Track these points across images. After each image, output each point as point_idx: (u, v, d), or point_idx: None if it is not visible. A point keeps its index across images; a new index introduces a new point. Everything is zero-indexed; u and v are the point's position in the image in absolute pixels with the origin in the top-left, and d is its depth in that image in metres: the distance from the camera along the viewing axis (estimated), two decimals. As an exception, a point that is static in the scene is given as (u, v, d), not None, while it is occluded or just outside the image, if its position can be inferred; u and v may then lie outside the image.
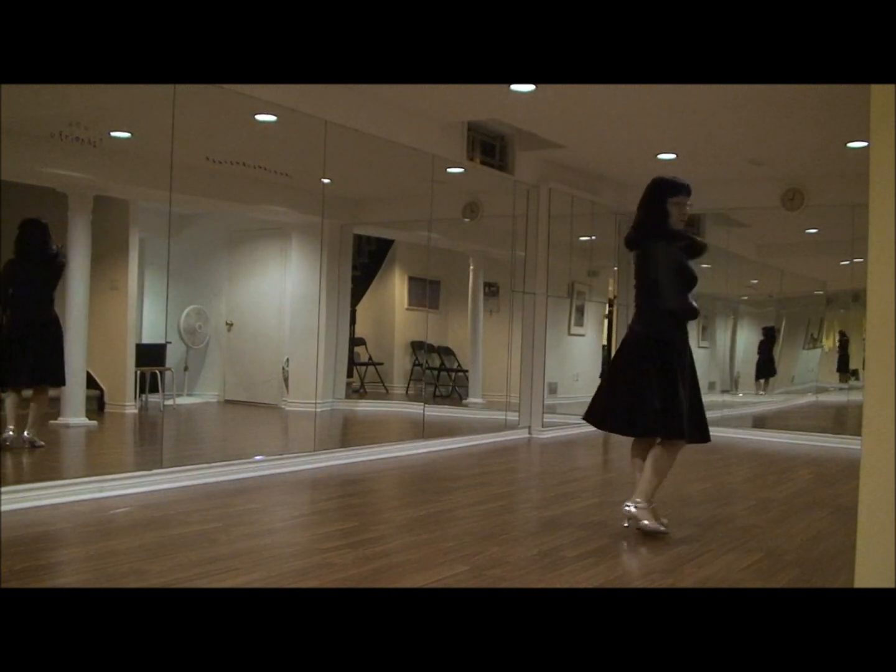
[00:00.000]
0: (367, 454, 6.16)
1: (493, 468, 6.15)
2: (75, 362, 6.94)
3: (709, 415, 4.05)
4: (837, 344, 10.32)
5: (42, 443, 5.58)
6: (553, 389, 8.36)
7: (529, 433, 7.83)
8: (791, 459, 6.94)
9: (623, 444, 7.55)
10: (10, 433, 5.47)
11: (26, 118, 5.53)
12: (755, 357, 10.76)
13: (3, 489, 3.97)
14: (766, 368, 10.75)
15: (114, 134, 6.31)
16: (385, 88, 5.68)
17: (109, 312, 7.75)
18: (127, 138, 6.43)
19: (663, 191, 3.93)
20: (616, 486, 5.38)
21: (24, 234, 5.65)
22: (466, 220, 8.38)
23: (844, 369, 10.16)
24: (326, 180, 6.72)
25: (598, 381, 10.12)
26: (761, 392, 10.76)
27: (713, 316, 10.96)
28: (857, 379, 9.65)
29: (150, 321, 8.99)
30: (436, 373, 10.33)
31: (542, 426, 7.83)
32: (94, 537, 3.70)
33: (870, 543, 2.25)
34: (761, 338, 10.73)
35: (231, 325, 9.52)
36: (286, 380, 8.96)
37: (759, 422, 10.06)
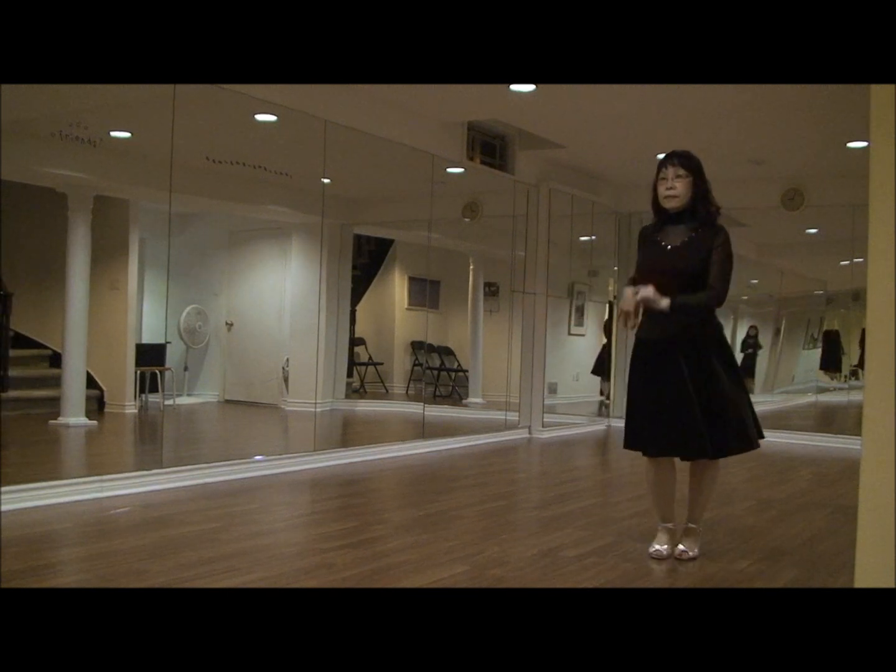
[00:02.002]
0: (367, 454, 6.16)
1: (493, 468, 6.15)
2: (75, 362, 6.96)
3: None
4: (822, 338, 10.31)
5: None
6: (553, 389, 8.36)
7: (529, 433, 7.83)
8: (791, 459, 6.94)
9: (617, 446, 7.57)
10: None
11: (26, 118, 5.53)
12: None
13: (3, 489, 3.97)
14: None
15: (114, 134, 6.31)
16: (385, 88, 5.68)
17: (109, 312, 7.75)
18: (127, 138, 6.44)
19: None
20: (616, 486, 5.39)
21: None
22: (466, 220, 8.38)
23: (833, 367, 10.14)
24: (326, 180, 6.72)
25: (598, 382, 10.21)
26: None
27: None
28: (857, 379, 9.65)
29: (150, 321, 8.99)
30: (436, 373, 10.33)
31: (542, 426, 7.83)
32: (94, 537, 3.70)
33: (870, 543, 2.24)
34: (746, 337, 10.76)
35: (231, 324, 9.52)
36: (286, 380, 8.96)
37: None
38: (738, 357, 10.61)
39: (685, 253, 3.40)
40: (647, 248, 3.53)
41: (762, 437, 3.63)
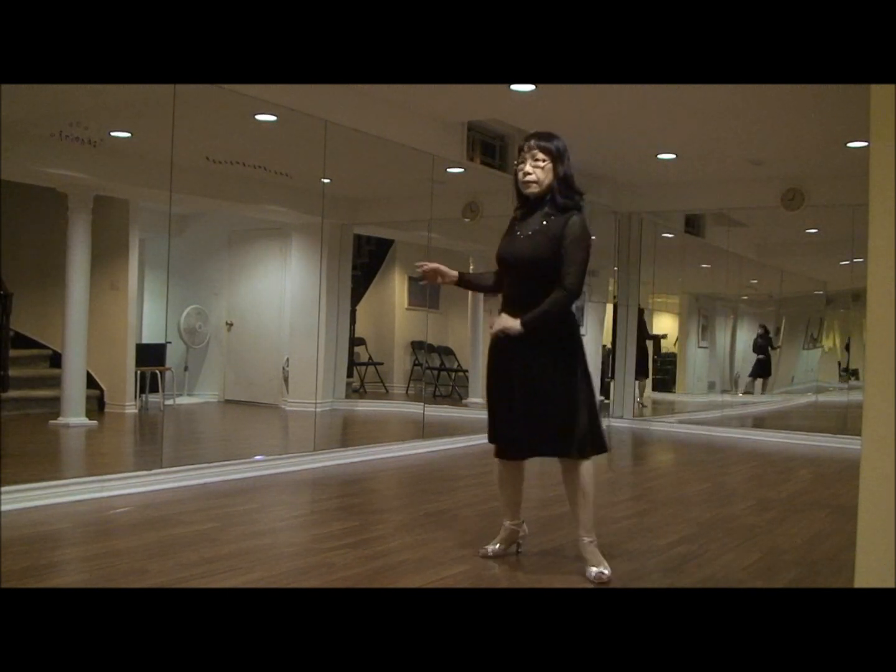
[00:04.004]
0: (367, 454, 6.16)
1: (492, 468, 6.13)
2: (75, 362, 6.96)
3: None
4: (844, 344, 10.31)
5: None
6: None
7: (529, 433, 7.81)
8: (791, 459, 6.94)
9: (617, 446, 7.55)
10: None
11: (26, 118, 5.54)
12: (752, 356, 10.77)
13: (3, 489, 3.97)
14: (761, 369, 10.77)
15: (114, 134, 6.31)
16: (385, 88, 5.68)
17: (109, 312, 7.75)
18: (127, 138, 6.44)
19: None
20: (615, 486, 5.38)
21: None
22: (466, 220, 8.38)
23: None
24: (326, 180, 6.72)
25: (598, 381, 10.21)
26: (751, 392, 10.75)
27: (713, 316, 10.98)
28: (857, 379, 9.66)
29: (150, 321, 9.00)
30: (436, 373, 10.33)
31: (542, 426, 7.81)
32: (94, 537, 3.70)
33: (870, 543, 2.24)
34: (756, 337, 10.75)
35: (231, 325, 9.52)
36: (286, 380, 8.97)
37: (759, 422, 10.07)
38: (752, 358, 10.61)
39: (533, 241, 3.22)
40: (505, 237, 3.37)
41: (597, 447, 3.27)
